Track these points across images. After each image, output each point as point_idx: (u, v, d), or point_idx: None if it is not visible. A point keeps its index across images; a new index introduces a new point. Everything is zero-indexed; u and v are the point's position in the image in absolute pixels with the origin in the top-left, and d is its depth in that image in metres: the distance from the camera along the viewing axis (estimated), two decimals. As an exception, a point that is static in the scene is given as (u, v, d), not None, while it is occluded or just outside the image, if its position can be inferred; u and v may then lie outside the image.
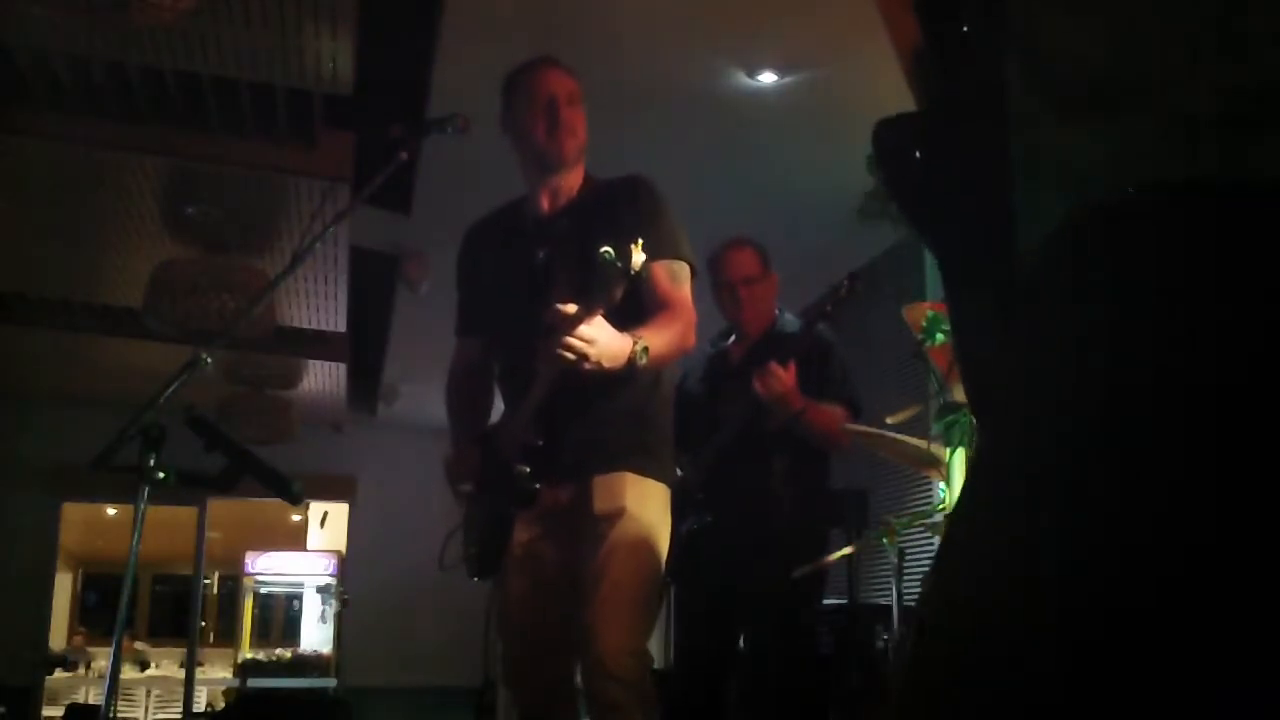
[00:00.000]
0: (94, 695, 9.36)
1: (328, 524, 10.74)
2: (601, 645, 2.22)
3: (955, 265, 0.92)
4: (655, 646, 3.51)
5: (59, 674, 9.52)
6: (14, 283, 6.21)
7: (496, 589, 2.49)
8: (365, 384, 8.25)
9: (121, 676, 2.21)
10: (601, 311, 2.04)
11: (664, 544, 2.35)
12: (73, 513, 9.57)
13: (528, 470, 2.30)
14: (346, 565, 9.71)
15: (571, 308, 2.02)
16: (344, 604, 8.77)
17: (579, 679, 2.34)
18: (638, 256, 1.94)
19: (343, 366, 7.26)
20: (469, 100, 2.56)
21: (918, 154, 0.92)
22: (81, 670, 9.91)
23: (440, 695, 8.53)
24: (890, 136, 0.94)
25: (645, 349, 2.15)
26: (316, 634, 9.83)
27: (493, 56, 2.62)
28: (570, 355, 2.05)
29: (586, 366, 2.07)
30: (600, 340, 2.06)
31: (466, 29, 3.69)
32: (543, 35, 3.69)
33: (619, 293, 1.99)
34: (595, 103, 2.50)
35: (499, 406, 2.60)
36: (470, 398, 2.65)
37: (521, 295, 2.40)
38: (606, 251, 1.94)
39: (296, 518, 11.68)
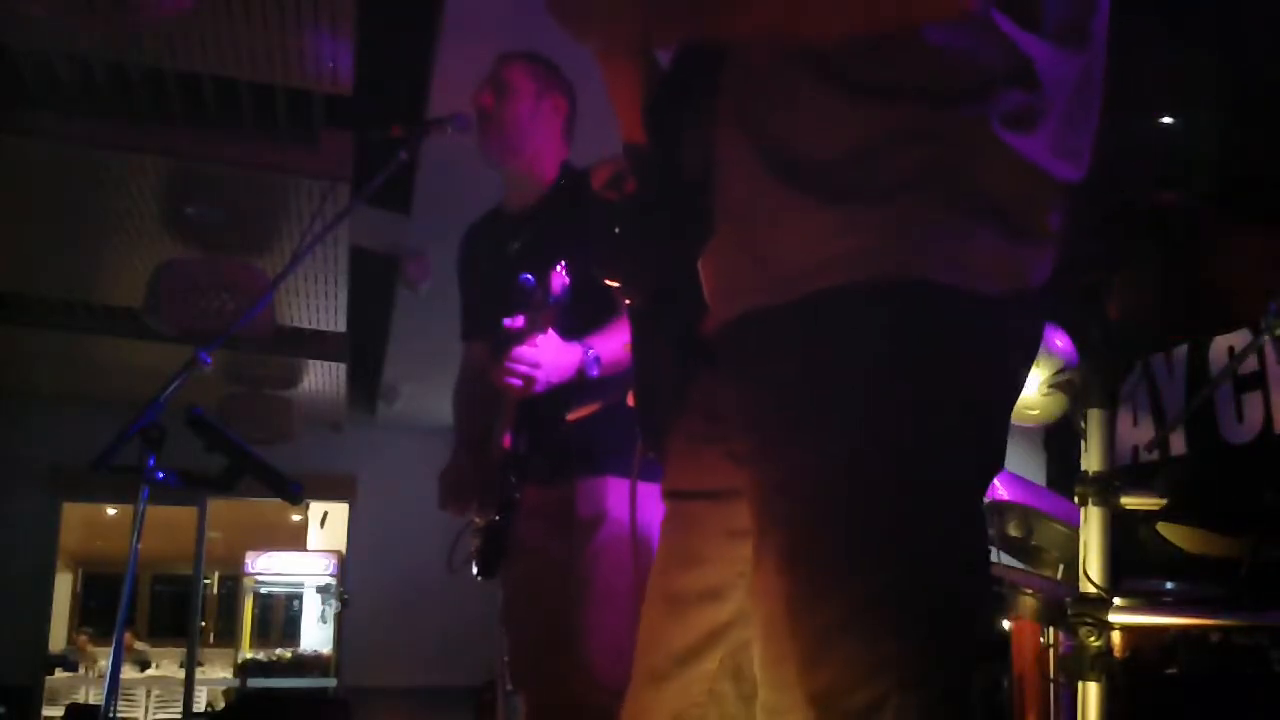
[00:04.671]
0: (94, 695, 9.35)
1: (328, 524, 10.74)
2: (587, 648, 2.22)
3: (640, 314, 1.28)
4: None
5: (59, 674, 9.52)
6: (14, 283, 6.21)
7: (501, 588, 2.50)
8: (365, 384, 8.25)
9: (121, 676, 2.22)
10: (542, 332, 2.07)
11: (654, 545, 2.35)
12: (73, 513, 9.56)
13: (512, 478, 2.31)
14: (346, 565, 9.71)
15: (518, 323, 2.05)
16: (344, 604, 8.76)
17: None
18: (559, 282, 1.98)
19: (343, 366, 7.25)
20: (469, 100, 2.56)
21: (617, 230, 1.23)
22: (81, 670, 9.91)
23: (440, 695, 8.53)
24: (600, 213, 1.28)
25: (597, 359, 2.17)
26: (316, 634, 9.83)
27: (492, 56, 2.62)
28: (516, 382, 2.09)
29: (536, 389, 2.11)
30: (545, 362, 2.09)
31: (466, 29, 3.68)
32: (542, 35, 3.69)
33: (546, 318, 2.03)
34: (594, 103, 2.50)
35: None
36: (473, 403, 2.64)
37: (503, 295, 2.41)
38: (527, 278, 1.98)
39: (296, 518, 11.68)
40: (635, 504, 1.50)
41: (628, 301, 1.27)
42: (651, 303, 1.24)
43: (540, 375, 2.10)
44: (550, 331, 2.09)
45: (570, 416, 2.25)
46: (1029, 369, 1.13)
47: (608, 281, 1.28)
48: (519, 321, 2.07)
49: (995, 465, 1.09)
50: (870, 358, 1.01)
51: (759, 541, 1.04)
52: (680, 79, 1.23)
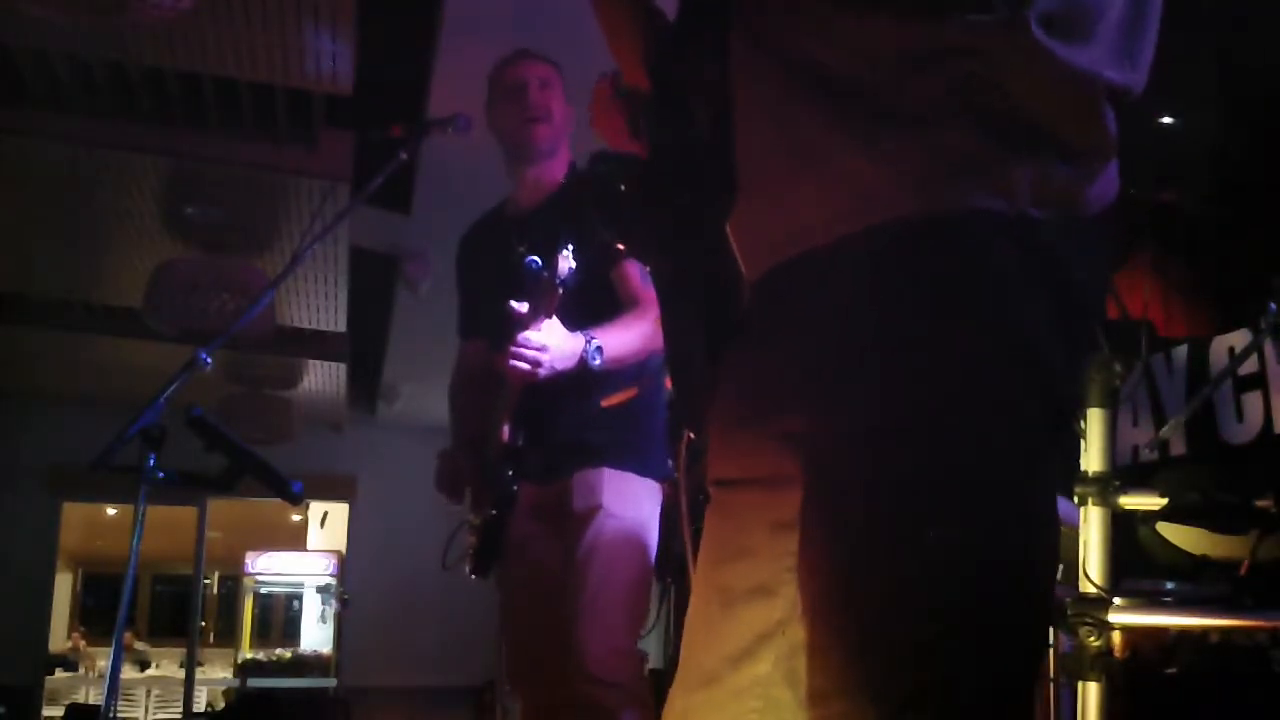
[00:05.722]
0: (94, 695, 9.35)
1: (328, 524, 10.74)
2: (583, 645, 2.21)
3: (664, 282, 1.18)
4: (655, 645, 3.51)
5: (59, 674, 9.52)
6: (14, 283, 6.21)
7: (498, 588, 2.49)
8: (365, 384, 8.25)
9: (121, 676, 2.22)
10: (547, 316, 2.07)
11: (651, 540, 2.34)
12: (73, 513, 9.56)
13: (510, 473, 2.30)
14: (346, 565, 9.71)
15: (524, 307, 2.04)
16: (344, 604, 8.76)
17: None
18: (565, 265, 1.97)
19: (343, 366, 7.26)
20: (469, 100, 2.56)
21: (622, 187, 1.13)
22: (81, 670, 9.91)
23: (440, 695, 8.53)
24: (605, 170, 1.17)
25: (599, 348, 2.17)
26: (316, 634, 9.83)
27: (492, 56, 2.62)
28: (524, 365, 2.09)
29: (540, 374, 2.11)
30: (551, 347, 2.09)
31: (466, 29, 3.68)
32: (542, 35, 3.69)
33: (552, 301, 2.02)
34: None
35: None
36: (470, 401, 2.64)
37: (506, 294, 2.41)
38: (533, 261, 1.97)
39: (296, 518, 11.68)
40: (684, 491, 1.46)
41: (649, 269, 1.21)
42: (671, 267, 1.16)
43: (545, 360, 2.10)
44: (555, 318, 2.09)
45: (605, 403, 2.26)
46: (1101, 299, 1.04)
47: (618, 245, 1.23)
48: (524, 305, 2.07)
49: (1068, 408, 0.98)
50: (916, 302, 0.92)
51: (806, 516, 0.95)
52: (689, 22, 1.14)
